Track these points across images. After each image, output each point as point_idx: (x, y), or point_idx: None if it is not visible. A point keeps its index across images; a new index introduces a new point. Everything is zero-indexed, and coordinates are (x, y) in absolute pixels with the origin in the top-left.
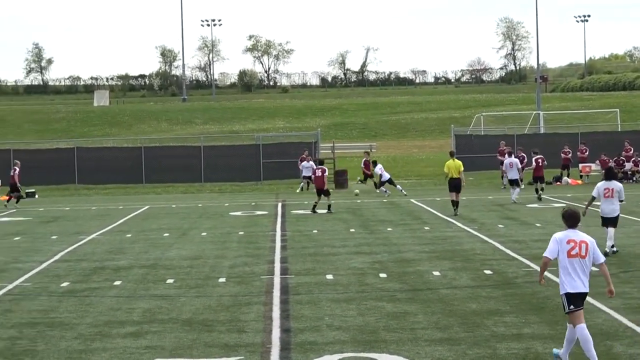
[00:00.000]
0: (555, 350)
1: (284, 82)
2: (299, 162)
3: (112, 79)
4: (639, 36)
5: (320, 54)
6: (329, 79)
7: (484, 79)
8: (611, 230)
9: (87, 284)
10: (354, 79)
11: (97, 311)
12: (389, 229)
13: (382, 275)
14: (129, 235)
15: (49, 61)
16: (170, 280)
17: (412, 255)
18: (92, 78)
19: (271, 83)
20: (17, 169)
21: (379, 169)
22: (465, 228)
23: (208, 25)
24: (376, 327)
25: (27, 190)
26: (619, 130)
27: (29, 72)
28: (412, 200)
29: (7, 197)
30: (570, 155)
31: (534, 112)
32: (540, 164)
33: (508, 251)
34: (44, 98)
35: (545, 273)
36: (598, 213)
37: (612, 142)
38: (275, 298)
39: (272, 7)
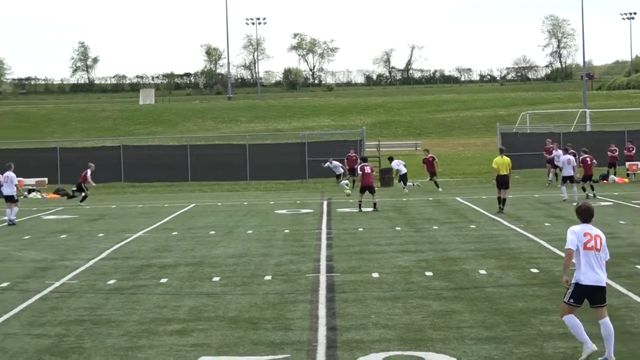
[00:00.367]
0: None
1: (329, 80)
2: (346, 160)
3: (157, 77)
4: None
5: (365, 52)
6: (374, 77)
7: (530, 77)
8: None
9: (134, 282)
10: (399, 77)
11: (143, 309)
12: (434, 227)
13: (428, 273)
14: (175, 233)
15: (95, 60)
16: (216, 278)
17: (458, 253)
18: (137, 77)
19: (316, 81)
20: (90, 171)
21: (395, 163)
22: (511, 226)
23: (253, 23)
24: (422, 326)
25: (73, 189)
26: None
27: (75, 70)
28: (458, 198)
29: (57, 195)
30: (617, 153)
31: (580, 110)
32: (590, 163)
33: (554, 249)
34: (90, 96)
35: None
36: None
37: None
38: (321, 296)
39: (316, 5)
